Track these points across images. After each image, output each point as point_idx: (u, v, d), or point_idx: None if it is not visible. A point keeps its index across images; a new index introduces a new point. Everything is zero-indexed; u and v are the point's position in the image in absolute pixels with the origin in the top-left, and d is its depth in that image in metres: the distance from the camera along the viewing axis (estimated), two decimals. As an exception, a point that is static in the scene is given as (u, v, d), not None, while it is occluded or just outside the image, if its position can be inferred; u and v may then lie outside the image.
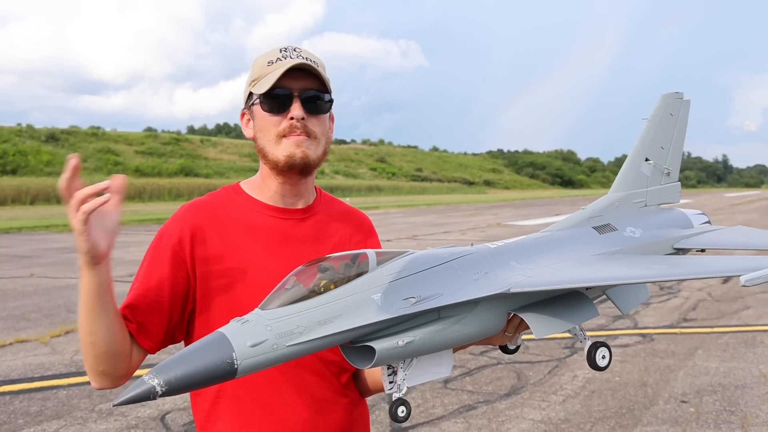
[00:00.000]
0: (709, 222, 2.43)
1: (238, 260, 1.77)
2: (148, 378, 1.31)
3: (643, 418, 5.64)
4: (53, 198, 32.37)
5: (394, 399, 1.52)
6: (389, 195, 54.61)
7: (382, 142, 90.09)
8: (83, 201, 1.50)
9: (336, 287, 1.47)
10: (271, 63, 1.77)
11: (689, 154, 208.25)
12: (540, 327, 1.69)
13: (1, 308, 9.32)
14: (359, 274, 1.50)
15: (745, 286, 1.61)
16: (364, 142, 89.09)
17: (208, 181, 45.76)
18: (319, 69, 1.79)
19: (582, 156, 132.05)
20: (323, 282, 1.46)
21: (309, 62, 1.76)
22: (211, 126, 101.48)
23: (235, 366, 1.34)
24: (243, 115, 1.87)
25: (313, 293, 1.45)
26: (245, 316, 1.41)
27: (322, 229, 1.90)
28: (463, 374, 6.65)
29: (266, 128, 1.79)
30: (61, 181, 1.52)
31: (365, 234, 2.01)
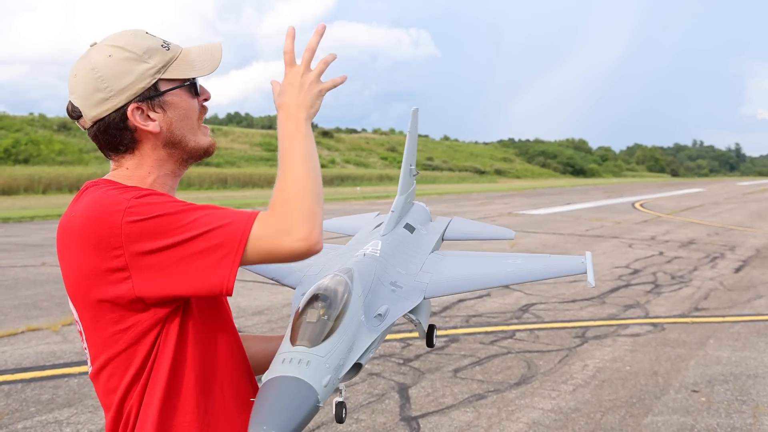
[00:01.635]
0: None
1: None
2: None
3: (654, 407, 5.62)
4: (65, 187, 32.54)
5: (336, 402, 1.62)
6: (400, 184, 54.18)
7: (392, 131, 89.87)
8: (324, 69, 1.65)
9: (341, 315, 1.59)
10: (165, 46, 1.65)
11: (702, 142, 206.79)
12: (423, 318, 2.06)
13: (13, 297, 9.39)
14: (348, 298, 1.63)
15: (593, 286, 2.06)
16: (375, 131, 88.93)
17: (219, 170, 45.80)
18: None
19: (593, 145, 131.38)
20: (326, 310, 1.57)
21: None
22: (222, 115, 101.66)
23: (320, 406, 1.45)
24: (134, 111, 1.62)
25: (335, 322, 1.56)
26: (298, 356, 1.48)
27: None
28: (473, 363, 6.64)
29: (190, 116, 1.69)
30: (287, 46, 1.66)
31: None
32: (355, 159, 65.60)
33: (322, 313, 1.56)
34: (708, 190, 54.83)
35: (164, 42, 1.66)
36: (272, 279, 2.17)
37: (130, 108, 1.62)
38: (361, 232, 2.52)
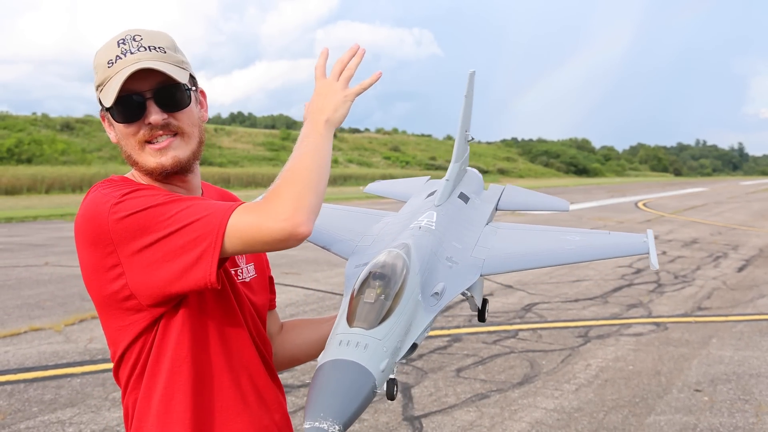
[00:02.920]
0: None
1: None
2: (322, 424, 1.29)
3: (657, 406, 5.61)
4: (68, 187, 32.58)
5: (389, 379, 1.54)
6: (402, 184, 54.14)
7: (395, 130, 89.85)
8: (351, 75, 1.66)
9: (399, 294, 1.49)
10: (111, 63, 1.58)
11: (705, 142, 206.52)
12: (477, 295, 1.98)
13: (15, 297, 9.40)
14: (405, 277, 1.52)
15: (657, 269, 1.89)
16: (378, 130, 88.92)
17: (222, 170, 45.79)
18: (164, 61, 1.61)
19: (597, 144, 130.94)
20: (383, 290, 1.47)
21: (148, 53, 1.60)
22: (225, 115, 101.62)
23: (377, 391, 1.39)
24: (103, 117, 1.69)
25: (393, 302, 1.47)
26: (355, 339, 1.40)
27: None
28: (475, 363, 6.64)
29: (127, 138, 1.64)
30: (319, 62, 1.70)
31: None
32: (358, 158, 65.58)
33: (379, 293, 1.49)
34: (711, 189, 54.71)
35: (111, 60, 1.59)
36: (321, 246, 2.09)
37: (101, 115, 1.70)
38: (413, 200, 2.34)
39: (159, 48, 1.62)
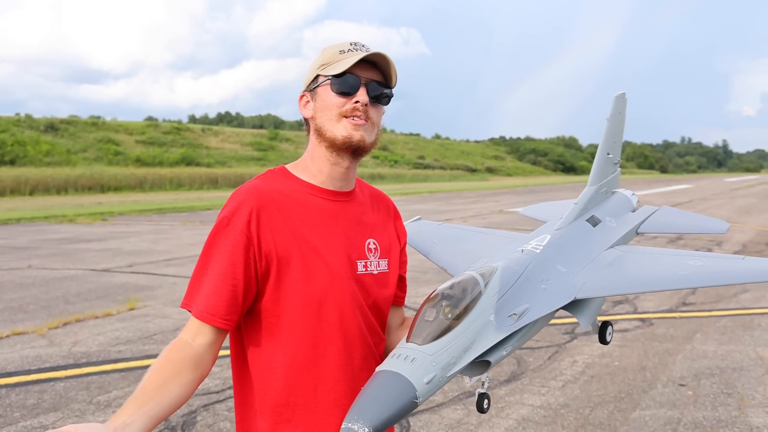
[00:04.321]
0: (638, 200, 2.90)
1: (298, 239, 1.84)
2: (354, 425, 1.42)
3: (642, 401, 5.63)
4: (52, 188, 32.35)
5: (479, 393, 1.71)
6: (392, 183, 54.44)
7: (384, 130, 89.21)
8: None
9: (463, 313, 1.63)
10: (343, 52, 1.88)
11: (690, 139, 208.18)
12: (584, 319, 1.98)
13: (-1, 300, 9.31)
14: (476, 298, 1.67)
15: None
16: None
17: (209, 170, 45.62)
18: (390, 64, 1.91)
19: (584, 142, 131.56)
20: (454, 310, 1.63)
21: (382, 54, 1.88)
22: (212, 115, 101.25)
23: (417, 402, 1.50)
24: (302, 97, 1.96)
25: (454, 322, 1.61)
26: (405, 353, 1.55)
27: (363, 211, 2.00)
28: (461, 361, 6.64)
29: (329, 108, 1.88)
30: None
31: (393, 217, 2.14)
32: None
33: (446, 311, 1.63)
34: (696, 186, 55.16)
35: (343, 50, 1.89)
36: (439, 266, 2.32)
37: (300, 96, 1.96)
38: (546, 224, 2.40)
39: (385, 58, 1.91)
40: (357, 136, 1.86)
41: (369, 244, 1.96)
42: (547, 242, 2.07)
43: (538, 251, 2.00)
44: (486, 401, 1.69)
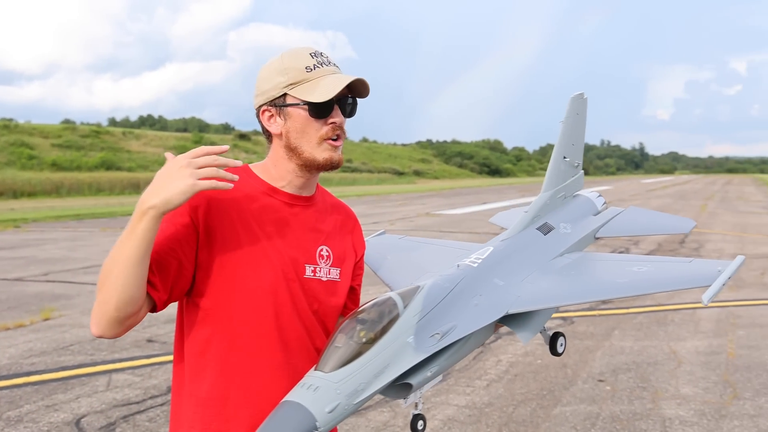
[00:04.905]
0: (605, 203, 2.77)
1: (247, 233, 1.86)
2: None
3: (563, 398, 5.79)
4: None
5: (413, 415, 1.70)
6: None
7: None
8: (209, 164, 1.65)
9: (379, 337, 1.61)
10: (309, 69, 1.86)
11: (609, 142, 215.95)
12: (524, 334, 1.94)
13: None
14: (393, 320, 1.65)
15: (707, 305, 1.75)
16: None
17: (131, 174, 44.26)
18: (366, 87, 1.91)
19: (508, 145, 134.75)
20: (367, 334, 1.62)
21: (362, 80, 1.88)
22: (134, 118, 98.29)
23: (317, 430, 1.47)
24: (264, 111, 1.91)
25: (365, 346, 1.59)
26: (310, 381, 1.53)
27: (319, 219, 2.01)
28: (388, 363, 6.66)
29: (309, 132, 1.87)
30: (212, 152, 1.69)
31: (351, 228, 2.13)
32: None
33: (360, 335, 1.60)
34: (615, 187, 57.22)
35: (309, 66, 1.86)
36: (385, 283, 2.29)
37: (262, 109, 1.91)
38: (498, 235, 2.32)
39: (337, 66, 1.92)
40: (337, 156, 1.90)
41: (321, 250, 1.97)
42: (487, 255, 2.03)
43: (475, 265, 1.96)
44: (421, 422, 1.68)
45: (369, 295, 2.00)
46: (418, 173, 75.89)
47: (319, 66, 1.87)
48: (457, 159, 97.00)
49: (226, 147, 1.72)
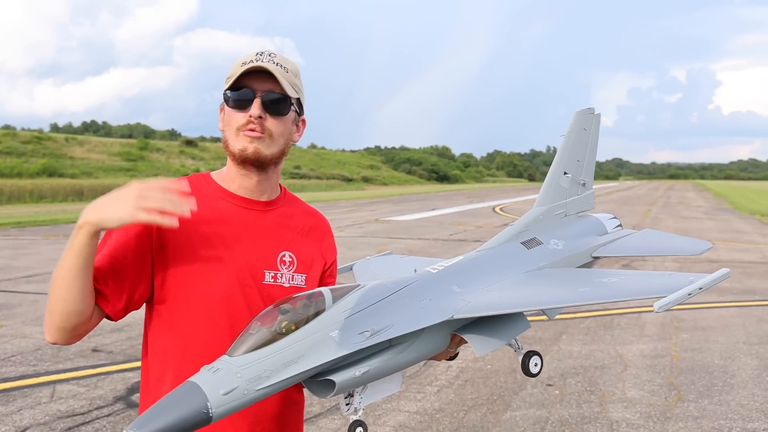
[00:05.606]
0: (620, 225, 2.65)
1: (201, 238, 1.87)
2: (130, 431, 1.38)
3: (513, 403, 5.87)
4: None
5: (352, 421, 1.67)
6: (268, 193, 53.37)
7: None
8: (168, 192, 1.68)
9: (297, 328, 1.58)
10: (244, 64, 1.89)
11: (555, 148, 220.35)
12: (480, 346, 1.89)
13: None
14: (317, 313, 1.62)
15: (657, 312, 1.70)
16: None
17: (74, 181, 43.07)
18: (282, 75, 1.89)
19: (456, 152, 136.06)
20: (284, 323, 1.59)
21: (274, 65, 1.88)
22: (77, 124, 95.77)
23: (210, 414, 1.45)
24: (221, 109, 1.98)
25: (278, 335, 1.56)
26: (215, 364, 1.51)
27: (282, 224, 2.02)
28: (340, 371, 6.64)
29: (230, 122, 1.92)
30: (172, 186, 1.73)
31: (321, 235, 2.13)
32: (220, 168, 64.01)
33: (281, 325, 1.58)
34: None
35: (245, 62, 1.89)
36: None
37: (220, 108, 1.98)
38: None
39: (284, 67, 1.91)
40: (251, 149, 1.89)
41: (283, 256, 1.97)
42: (453, 263, 2.02)
43: (435, 272, 1.95)
44: (360, 429, 1.66)
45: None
46: (366, 179, 75.96)
47: (255, 62, 1.89)
48: (406, 165, 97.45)
49: (187, 187, 1.81)
